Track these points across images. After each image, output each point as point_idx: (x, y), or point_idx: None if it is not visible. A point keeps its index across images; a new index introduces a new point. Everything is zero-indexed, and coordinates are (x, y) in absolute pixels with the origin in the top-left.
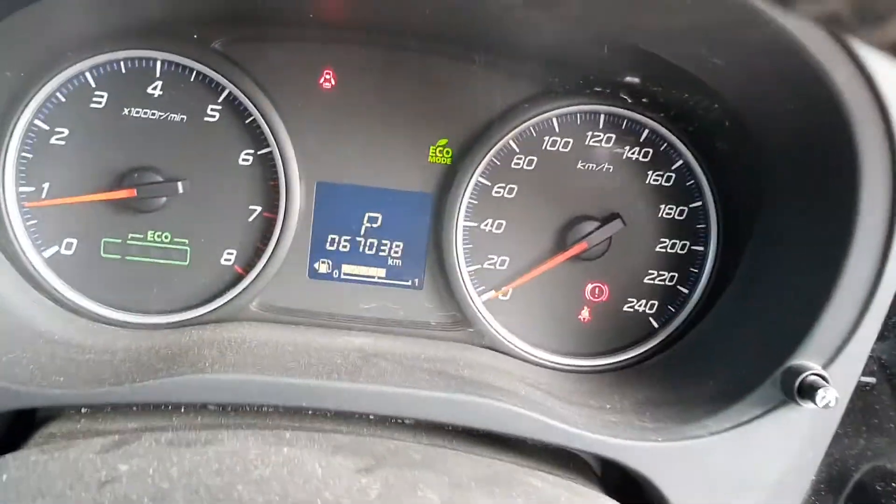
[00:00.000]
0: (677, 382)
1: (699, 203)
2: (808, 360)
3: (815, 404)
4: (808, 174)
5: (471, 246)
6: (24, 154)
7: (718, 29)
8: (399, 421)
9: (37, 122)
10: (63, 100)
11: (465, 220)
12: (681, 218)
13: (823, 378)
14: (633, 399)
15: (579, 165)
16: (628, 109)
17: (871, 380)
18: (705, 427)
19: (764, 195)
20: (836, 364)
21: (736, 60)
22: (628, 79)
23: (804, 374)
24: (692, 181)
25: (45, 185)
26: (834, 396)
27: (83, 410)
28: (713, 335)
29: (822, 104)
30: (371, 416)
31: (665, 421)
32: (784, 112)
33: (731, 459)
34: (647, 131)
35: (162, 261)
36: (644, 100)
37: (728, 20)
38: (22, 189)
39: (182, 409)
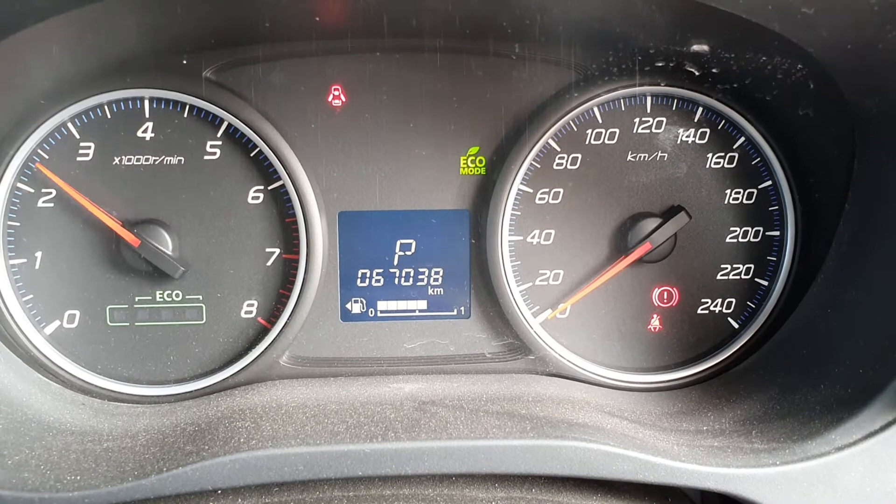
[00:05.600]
0: (780, 390)
1: (769, 183)
2: None
3: None
4: None
5: (519, 262)
6: (10, 223)
7: None
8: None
9: (20, 185)
10: (46, 157)
11: (510, 235)
12: (750, 202)
13: None
14: (731, 416)
15: (629, 157)
16: (678, 87)
17: None
18: (830, 442)
19: (859, 160)
20: None
21: (831, 5)
22: (696, 48)
23: None
24: (758, 159)
25: (38, 254)
26: None
27: None
28: (812, 329)
29: None
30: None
31: (779, 439)
32: (893, 61)
33: (868, 477)
34: (701, 109)
35: (175, 322)
36: (714, 70)
37: None
38: (13, 262)
39: (219, 492)
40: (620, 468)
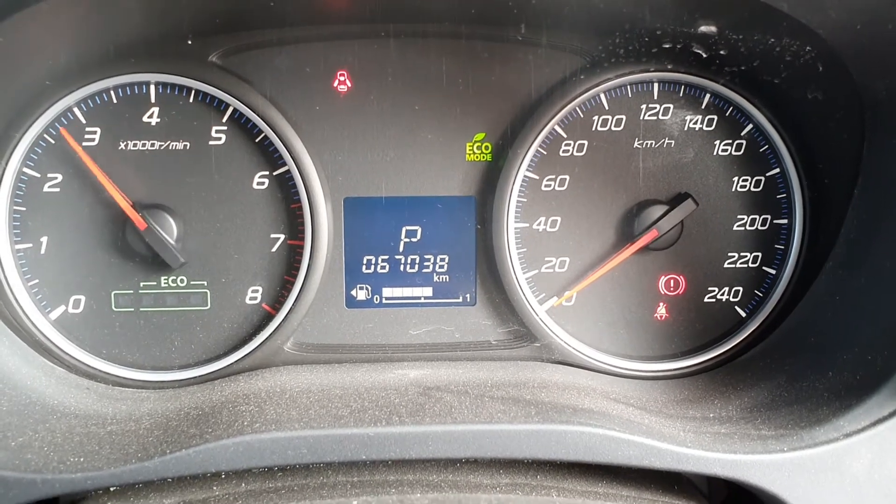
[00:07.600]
0: (788, 378)
1: (777, 170)
2: None
3: None
4: None
5: (525, 250)
6: (16, 207)
7: None
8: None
9: (26, 170)
10: (52, 142)
11: (516, 222)
12: (758, 189)
13: None
14: (738, 403)
15: (636, 144)
16: (685, 72)
17: None
18: (838, 428)
19: (868, 145)
20: None
21: None
22: (703, 29)
23: None
24: (766, 146)
25: (44, 239)
26: None
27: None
28: (820, 317)
29: None
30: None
31: (787, 426)
32: None
33: (875, 463)
34: (708, 96)
35: (180, 308)
36: (722, 52)
37: None
38: (18, 246)
39: (223, 475)
40: (626, 453)
